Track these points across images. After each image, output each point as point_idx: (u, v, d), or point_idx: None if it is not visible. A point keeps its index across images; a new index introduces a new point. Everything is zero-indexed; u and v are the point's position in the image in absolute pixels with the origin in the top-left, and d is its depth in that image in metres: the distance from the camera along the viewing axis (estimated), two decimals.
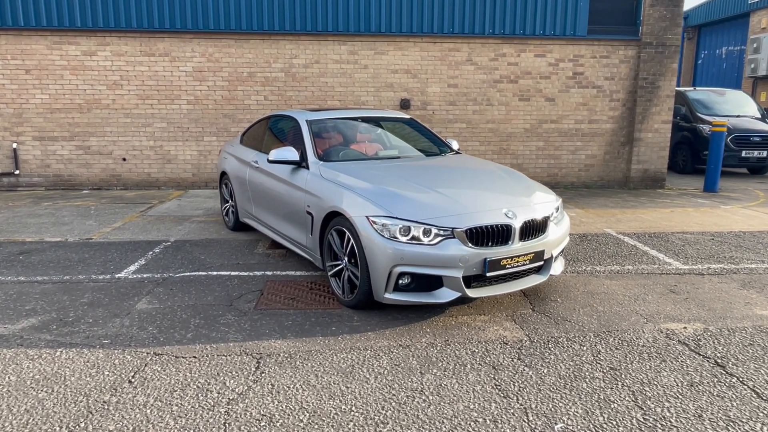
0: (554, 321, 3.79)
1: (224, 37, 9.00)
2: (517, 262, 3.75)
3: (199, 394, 2.82)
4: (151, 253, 5.41)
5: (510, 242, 3.73)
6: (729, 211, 7.70)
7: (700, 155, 11.92)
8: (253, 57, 9.11)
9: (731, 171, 12.40)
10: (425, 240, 3.57)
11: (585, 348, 3.39)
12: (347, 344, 3.41)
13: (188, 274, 4.76)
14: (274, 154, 4.65)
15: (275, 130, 5.67)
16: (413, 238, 3.57)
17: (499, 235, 3.68)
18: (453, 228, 3.59)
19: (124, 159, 9.30)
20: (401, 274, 3.60)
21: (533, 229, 3.86)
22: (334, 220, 4.01)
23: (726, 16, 20.35)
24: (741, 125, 11.71)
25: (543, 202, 4.09)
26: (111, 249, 5.54)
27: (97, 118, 9.12)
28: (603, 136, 9.85)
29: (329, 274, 4.19)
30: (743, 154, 11.53)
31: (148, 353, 3.27)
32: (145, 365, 3.12)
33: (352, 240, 3.82)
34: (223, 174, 6.46)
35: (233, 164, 6.12)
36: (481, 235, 3.63)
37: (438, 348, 3.37)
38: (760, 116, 12.36)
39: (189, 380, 2.96)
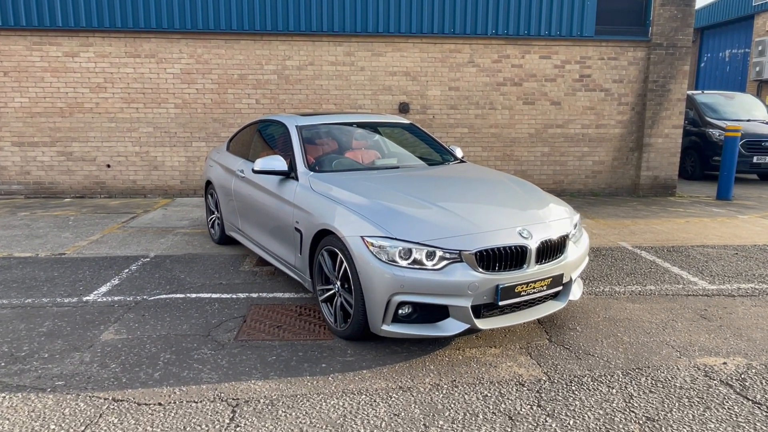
0: (575, 355, 3.33)
1: (213, 38, 8.54)
2: (534, 288, 3.29)
3: None
4: (126, 271, 4.94)
5: (525, 266, 3.27)
6: (747, 221, 7.26)
7: (709, 161, 11.50)
8: (244, 58, 8.65)
9: (741, 177, 11.96)
10: (429, 264, 3.11)
11: (614, 391, 2.92)
12: (339, 386, 2.95)
13: (164, 296, 4.28)
14: (260, 163, 4.19)
15: (263, 136, 5.21)
16: (415, 261, 3.11)
17: (512, 258, 3.22)
18: (461, 250, 3.12)
19: (109, 165, 8.83)
20: (401, 304, 3.14)
21: (551, 249, 3.41)
22: (326, 239, 3.55)
23: (730, 19, 19.98)
24: (752, 130, 11.28)
25: (560, 218, 3.63)
26: (83, 266, 5.06)
27: (80, 122, 8.65)
28: (611, 142, 9.41)
29: (320, 299, 3.73)
30: (755, 159, 11.10)
31: (105, 399, 2.80)
32: (100, 416, 2.65)
33: (345, 263, 3.35)
34: (209, 183, 6.00)
35: (218, 173, 5.66)
36: (492, 259, 3.17)
37: (444, 391, 2.90)
38: None
39: None
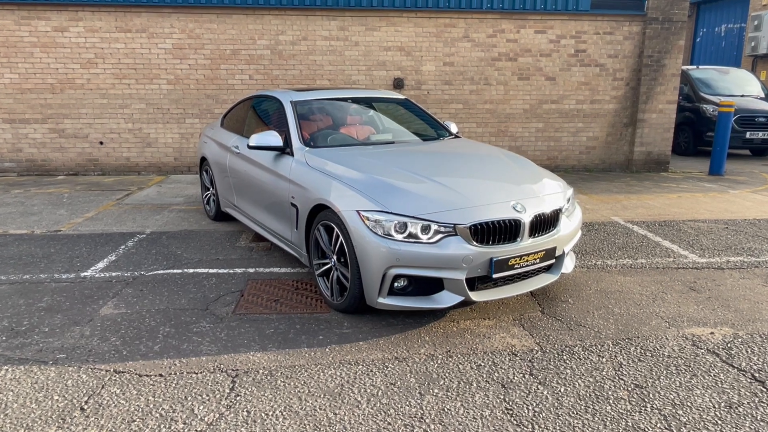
0: (567, 326, 3.40)
1: (205, 12, 8.43)
2: (527, 261, 3.34)
3: (162, 426, 2.41)
4: (123, 247, 4.96)
5: (519, 239, 3.32)
6: (738, 196, 7.33)
7: (703, 136, 11.53)
8: (236, 33, 8.55)
9: (734, 153, 12.02)
10: (424, 238, 3.15)
11: (604, 360, 3.00)
12: (336, 357, 3.01)
13: (162, 272, 4.32)
14: (255, 139, 4.19)
15: (257, 112, 5.20)
16: (410, 235, 3.15)
17: (506, 231, 3.27)
18: (455, 224, 3.17)
19: (101, 143, 8.77)
20: (397, 277, 3.19)
21: (544, 223, 3.45)
22: (321, 213, 3.58)
23: None
24: (745, 105, 11.30)
25: (553, 193, 3.67)
26: (80, 243, 5.08)
27: (71, 99, 8.57)
28: (605, 117, 9.42)
29: (316, 273, 3.77)
30: (747, 135, 11.16)
31: (107, 371, 2.85)
32: (102, 387, 2.70)
33: (341, 237, 3.39)
34: (203, 160, 5.99)
35: (213, 149, 5.65)
36: (486, 232, 3.22)
37: (439, 361, 2.98)
38: (764, 96, 11.96)
39: (151, 407, 2.55)
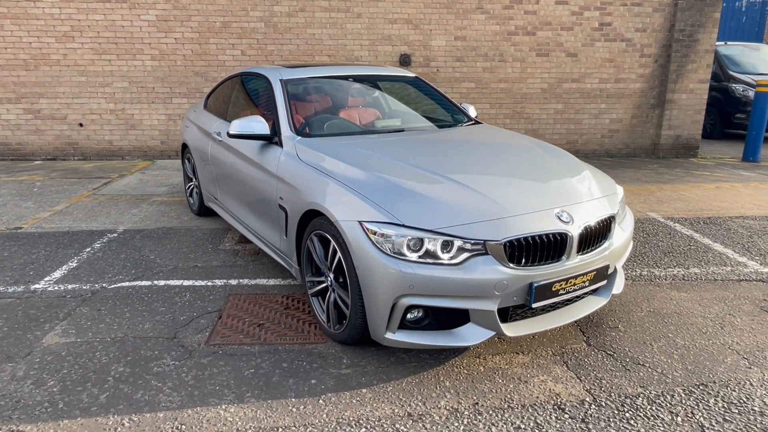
0: (622, 364, 2.71)
1: None
2: (574, 285, 2.64)
3: None
4: (88, 250, 4.27)
5: (565, 257, 2.61)
6: None
7: (731, 118, 10.71)
8: (226, 3, 7.74)
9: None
10: (445, 258, 2.45)
11: (679, 419, 2.32)
12: (332, 413, 2.33)
13: (127, 284, 3.64)
14: (237, 125, 3.46)
15: (243, 92, 4.45)
16: (427, 254, 2.45)
17: (550, 248, 2.56)
18: (485, 240, 2.46)
19: (81, 124, 8.03)
20: (410, 307, 2.49)
21: (595, 235, 2.75)
22: (315, 220, 2.88)
23: None
24: None
25: (604, 195, 2.95)
26: (39, 244, 4.40)
27: (47, 76, 7.81)
28: (631, 98, 8.62)
29: (309, 293, 3.09)
30: None
31: None
32: None
33: (338, 252, 2.69)
34: (185, 146, 5.27)
35: (194, 134, 4.93)
36: (525, 250, 2.51)
37: (465, 420, 2.29)
38: None
39: None
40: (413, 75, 4.56)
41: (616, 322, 3.15)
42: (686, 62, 8.43)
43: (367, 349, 2.82)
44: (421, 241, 2.45)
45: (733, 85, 10.72)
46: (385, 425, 2.25)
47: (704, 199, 5.95)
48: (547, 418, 2.31)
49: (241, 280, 3.70)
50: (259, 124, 3.45)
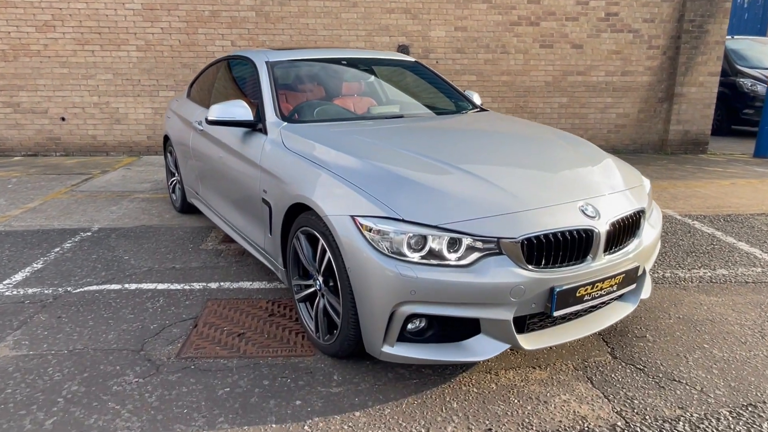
0: (655, 381, 2.36)
1: None
2: (601, 289, 2.28)
3: None
4: (57, 250, 3.90)
5: (590, 258, 2.25)
6: None
7: (739, 114, 10.38)
8: None
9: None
10: (452, 258, 2.08)
11: None
12: None
13: (95, 288, 3.27)
14: (216, 110, 3.09)
15: (228, 78, 4.08)
16: (432, 254, 2.09)
17: (573, 247, 2.20)
18: (499, 237, 2.10)
19: (63, 119, 7.65)
20: (411, 317, 2.13)
21: (623, 232, 2.39)
22: (302, 216, 2.51)
23: None
24: None
25: (629, 188, 2.59)
26: (5, 243, 4.02)
27: (27, 67, 7.42)
28: (638, 91, 8.28)
29: (296, 298, 2.72)
30: None
31: None
32: None
33: (328, 252, 2.33)
34: (167, 139, 4.90)
35: (176, 125, 4.56)
36: (545, 249, 2.15)
37: None
38: None
39: None
40: (413, 60, 4.20)
41: (643, 330, 2.79)
42: (696, 54, 8.09)
43: (362, 363, 2.46)
44: (424, 238, 2.09)
45: (741, 79, 10.39)
46: None
47: (721, 196, 5.60)
48: None
49: (221, 284, 3.33)
50: (241, 109, 3.08)
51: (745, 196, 5.58)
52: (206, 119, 3.13)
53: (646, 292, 2.69)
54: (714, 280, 3.44)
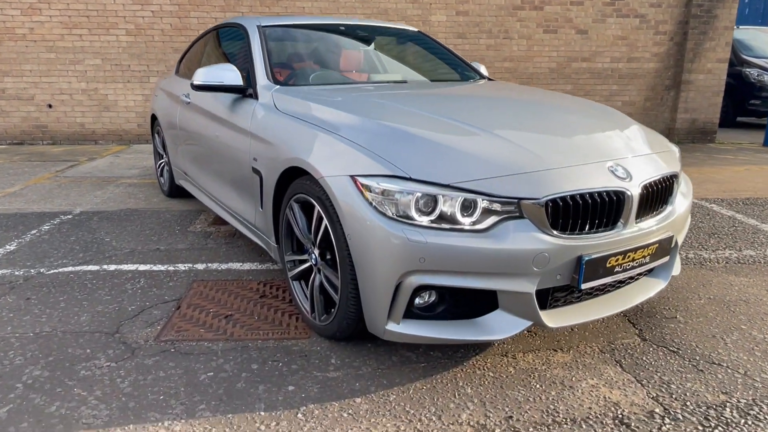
0: (692, 364, 2.10)
1: None
2: (633, 260, 2.02)
3: None
4: (34, 232, 3.63)
5: (622, 224, 1.99)
6: None
7: (745, 105, 10.14)
8: None
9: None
10: (466, 222, 1.82)
11: None
12: None
13: (70, 269, 3.00)
14: (202, 74, 2.83)
15: (217, 48, 3.82)
16: (443, 218, 1.82)
17: (603, 211, 1.94)
18: (520, 198, 1.83)
19: (50, 105, 7.37)
20: (420, 289, 1.87)
21: (656, 197, 2.13)
22: (296, 182, 2.25)
23: None
24: None
25: (660, 151, 2.34)
26: None
27: (12, 52, 7.14)
28: (644, 78, 8.03)
29: (290, 275, 2.46)
30: None
31: None
32: None
33: (324, 219, 2.07)
34: (154, 118, 4.63)
35: (163, 103, 4.29)
36: (571, 213, 1.89)
37: None
38: None
39: None
40: (415, 29, 3.94)
41: (673, 311, 2.53)
42: (704, 40, 7.85)
43: (362, 346, 2.20)
44: (434, 200, 1.82)
45: (747, 69, 10.15)
46: None
47: (736, 181, 5.36)
48: None
49: (209, 265, 3.06)
50: (229, 73, 2.81)
51: (761, 181, 5.33)
52: (192, 84, 2.86)
53: (676, 268, 2.43)
54: (742, 261, 3.19)
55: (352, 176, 1.92)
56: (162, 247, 3.36)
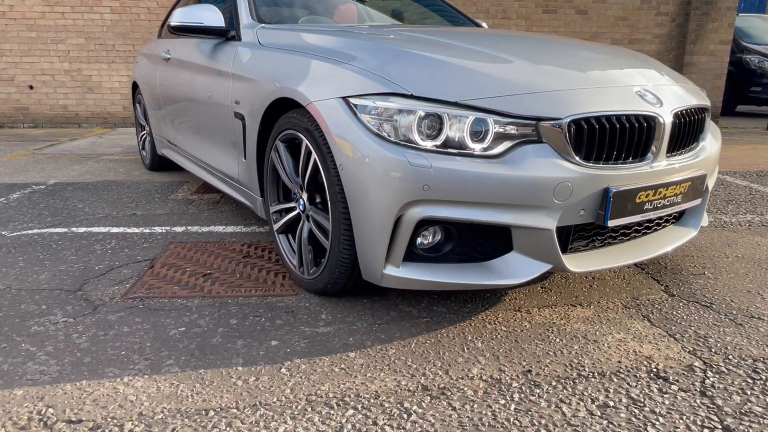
0: (729, 318, 1.86)
1: None
2: (664, 197, 1.78)
3: None
4: (2, 200, 3.35)
5: (652, 155, 1.75)
6: None
7: (746, 92, 9.95)
8: None
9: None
10: (476, 147, 1.57)
11: None
12: (299, 389, 1.45)
13: (35, 231, 2.73)
14: (180, 14, 2.57)
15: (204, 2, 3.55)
16: (448, 144, 1.57)
17: (631, 138, 1.70)
18: (539, 118, 1.59)
19: (31, 87, 7.07)
20: (423, 224, 1.62)
21: (688, 130, 1.89)
22: (282, 118, 1.99)
23: None
24: None
25: (688, 86, 2.10)
26: None
27: None
28: None
29: (275, 228, 2.20)
30: None
31: None
32: None
33: (313, 155, 1.81)
34: (135, 87, 4.36)
35: (144, 67, 4.02)
36: (597, 138, 1.64)
37: (515, 396, 1.42)
38: None
39: None
40: None
41: (700, 268, 2.29)
42: (706, 21, 7.66)
43: (357, 301, 1.94)
44: (440, 120, 1.57)
45: (748, 56, 9.96)
46: (386, 405, 1.37)
47: (745, 157, 5.14)
48: (645, 390, 1.44)
49: (189, 228, 2.80)
50: (210, 13, 2.56)
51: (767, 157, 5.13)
52: (168, 25, 2.60)
53: (705, 219, 2.19)
54: (765, 224, 2.95)
55: (344, 97, 1.67)
56: (139, 212, 3.09)
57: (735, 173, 4.34)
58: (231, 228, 2.80)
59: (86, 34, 6.97)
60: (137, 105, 4.41)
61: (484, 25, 3.54)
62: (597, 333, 1.76)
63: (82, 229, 2.75)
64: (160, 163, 4.16)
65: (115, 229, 2.76)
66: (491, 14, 7.43)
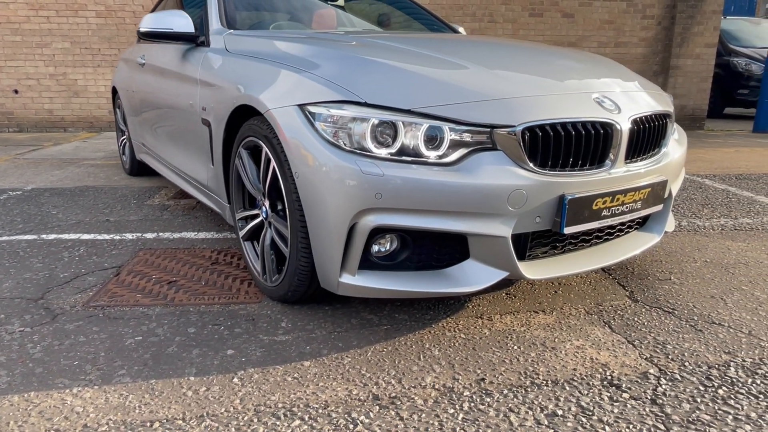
0: (690, 324, 1.86)
1: None
2: (623, 203, 1.78)
3: None
4: None
5: (609, 162, 1.75)
6: None
7: (733, 95, 10.01)
8: None
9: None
10: (431, 155, 1.57)
11: None
12: (248, 399, 1.44)
13: (5, 238, 2.71)
14: (150, 20, 2.57)
15: (179, 4, 3.54)
16: (404, 151, 1.57)
17: (588, 145, 1.70)
18: (493, 126, 1.59)
19: (16, 91, 7.04)
20: (377, 232, 1.61)
21: (648, 137, 1.89)
22: (245, 126, 1.99)
23: None
24: None
25: (653, 91, 2.10)
26: None
27: None
28: (632, 64, 7.85)
29: (241, 235, 2.19)
30: None
31: None
32: None
33: (272, 162, 1.81)
34: (115, 92, 4.35)
35: (123, 72, 4.01)
36: (553, 145, 1.64)
37: (464, 405, 1.42)
38: None
39: None
40: None
41: (666, 273, 2.30)
42: (692, 24, 7.70)
43: (318, 309, 1.94)
44: (394, 128, 1.57)
45: (735, 59, 10.02)
46: (333, 415, 1.36)
47: (727, 160, 5.16)
48: (596, 398, 1.44)
49: (160, 234, 2.79)
50: (180, 19, 2.55)
51: (752, 160, 5.15)
52: (138, 31, 2.59)
53: (670, 224, 2.19)
54: (738, 228, 2.96)
55: (300, 105, 1.67)
56: (112, 218, 3.08)
57: (714, 176, 4.36)
58: (203, 234, 2.79)
59: (71, 38, 6.94)
60: (117, 110, 4.40)
61: (461, 30, 3.55)
62: (556, 340, 1.75)
63: (52, 236, 2.73)
64: (140, 169, 4.15)
65: (85, 236, 2.74)
66: (478, 17, 7.45)
